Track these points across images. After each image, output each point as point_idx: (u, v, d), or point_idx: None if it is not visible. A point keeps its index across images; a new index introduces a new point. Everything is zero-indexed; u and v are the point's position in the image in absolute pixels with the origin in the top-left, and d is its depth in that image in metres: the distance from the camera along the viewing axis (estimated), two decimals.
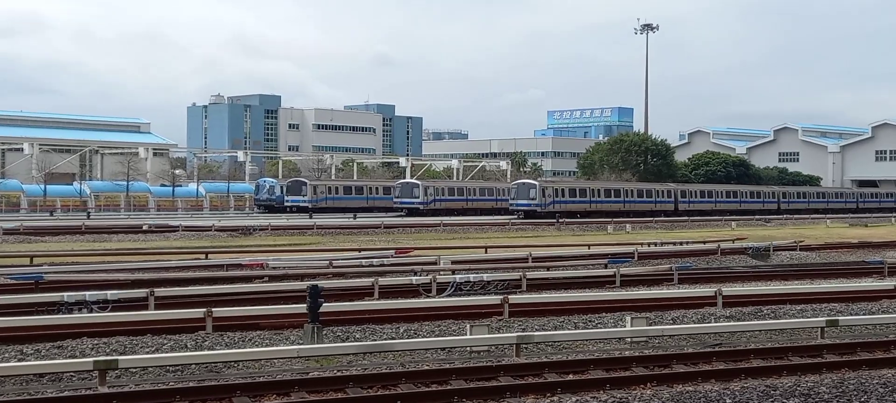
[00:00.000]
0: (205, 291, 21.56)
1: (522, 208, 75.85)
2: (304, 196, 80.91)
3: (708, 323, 19.30)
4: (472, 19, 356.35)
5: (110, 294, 19.77)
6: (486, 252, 36.07)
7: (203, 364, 13.64)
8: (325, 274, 26.31)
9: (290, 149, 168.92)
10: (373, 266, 28.43)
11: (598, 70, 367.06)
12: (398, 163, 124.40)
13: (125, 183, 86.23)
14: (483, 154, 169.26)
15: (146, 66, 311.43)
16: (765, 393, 12.69)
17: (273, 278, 25.36)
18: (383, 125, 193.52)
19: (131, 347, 15.68)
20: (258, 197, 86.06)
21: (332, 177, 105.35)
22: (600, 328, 18.37)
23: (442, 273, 26.25)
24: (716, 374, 13.91)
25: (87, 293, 19.81)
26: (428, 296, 22.71)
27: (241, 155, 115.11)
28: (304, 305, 16.13)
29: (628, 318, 17.30)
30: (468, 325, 16.27)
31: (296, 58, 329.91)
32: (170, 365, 13.57)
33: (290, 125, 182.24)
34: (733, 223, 69.50)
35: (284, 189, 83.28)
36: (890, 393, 12.88)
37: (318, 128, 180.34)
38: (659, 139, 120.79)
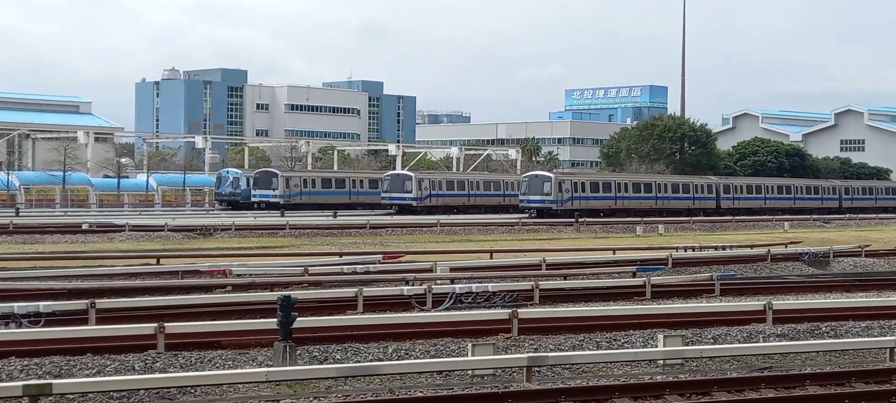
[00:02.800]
0: (156, 303, 21.55)
1: (535, 205, 75.78)
2: (274, 190, 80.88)
3: (755, 342, 19.32)
4: None
5: (43, 305, 19.75)
6: (491, 257, 36.08)
7: (153, 389, 13.63)
8: (300, 283, 26.30)
9: (258, 134, 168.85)
10: (356, 273, 28.43)
11: (625, 41, 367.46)
12: (387, 150, 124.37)
13: (61, 173, 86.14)
14: (488, 140, 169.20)
15: (88, 33, 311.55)
16: None
17: (237, 287, 25.36)
18: (370, 105, 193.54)
19: (68, 369, 15.68)
20: (220, 190, 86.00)
21: (309, 168, 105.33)
22: (627, 348, 18.39)
23: (439, 282, 26.26)
24: None
25: (16, 305, 19.79)
26: (422, 310, 22.71)
27: (199, 140, 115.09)
28: (275, 320, 16.13)
29: (661, 337, 17.31)
30: (470, 344, 16.27)
31: (269, 25, 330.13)
32: (114, 391, 13.57)
33: (258, 105, 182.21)
34: (786, 224, 69.54)
35: (251, 181, 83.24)
36: None
37: (292, 109, 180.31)
38: (698, 123, 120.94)
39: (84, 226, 51.68)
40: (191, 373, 14.92)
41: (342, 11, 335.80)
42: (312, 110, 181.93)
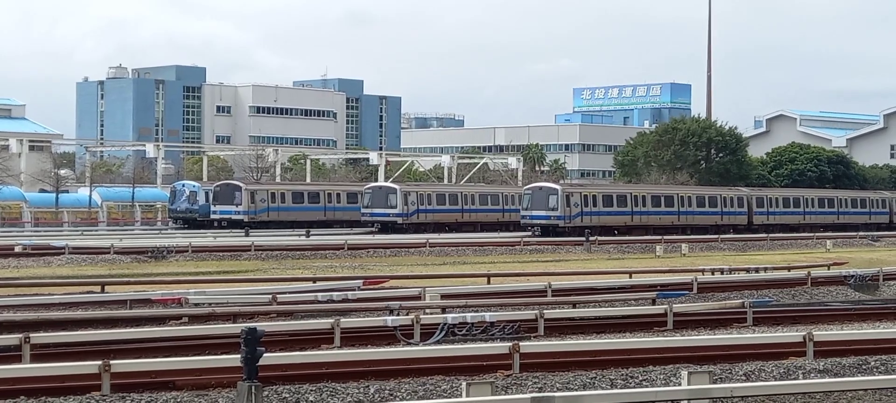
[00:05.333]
0: (100, 337, 21.47)
1: (539, 221, 75.85)
2: (237, 205, 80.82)
3: (794, 379, 19.32)
4: None
5: None
6: (488, 282, 36.05)
7: None
8: (268, 314, 26.27)
9: (218, 141, 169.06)
10: (333, 301, 28.39)
11: (643, 33, 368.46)
12: (368, 159, 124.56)
13: None
14: (485, 147, 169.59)
15: (22, 24, 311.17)
16: None
17: (194, 318, 25.31)
18: (347, 107, 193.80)
19: None
20: (175, 206, 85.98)
21: (277, 180, 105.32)
22: (646, 386, 18.38)
23: (428, 311, 26.23)
24: None
25: None
26: (409, 343, 22.68)
27: (150, 148, 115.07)
28: (238, 356, 16.09)
29: (685, 373, 17.29)
30: (464, 383, 16.24)
31: (232, 15, 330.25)
32: None
33: (218, 108, 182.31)
34: (829, 242, 69.61)
35: (211, 196, 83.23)
36: None
37: (258, 112, 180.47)
38: (726, 127, 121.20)
39: (17, 249, 51.52)
40: None
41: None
42: (281, 113, 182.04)
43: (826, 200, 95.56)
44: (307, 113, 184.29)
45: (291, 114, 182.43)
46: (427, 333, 23.29)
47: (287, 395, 17.10)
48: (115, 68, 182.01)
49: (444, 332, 23.38)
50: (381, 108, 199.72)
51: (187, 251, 51.81)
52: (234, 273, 41.97)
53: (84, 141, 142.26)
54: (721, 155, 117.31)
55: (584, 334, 24.89)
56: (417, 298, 29.13)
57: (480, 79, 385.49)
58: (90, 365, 17.32)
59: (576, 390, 17.92)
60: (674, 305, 27.57)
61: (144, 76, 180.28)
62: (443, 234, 72.46)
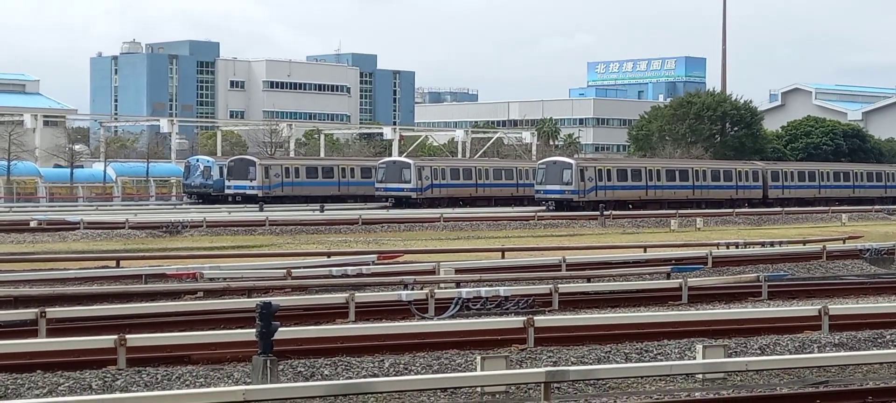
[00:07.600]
0: (116, 311, 21.58)
1: (553, 196, 75.83)
2: (252, 180, 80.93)
3: (809, 352, 19.33)
4: None
5: None
6: (502, 256, 36.08)
7: None
8: (282, 288, 26.35)
9: (232, 116, 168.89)
10: (347, 276, 28.47)
11: (657, 9, 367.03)
12: (382, 134, 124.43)
13: (5, 162, 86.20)
14: (499, 122, 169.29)
15: (39, 2, 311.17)
16: None
17: (209, 293, 25.40)
18: (361, 82, 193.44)
19: (15, 388, 15.70)
20: (189, 181, 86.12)
21: (291, 155, 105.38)
22: (661, 360, 18.40)
23: (442, 285, 26.29)
24: None
25: None
26: (423, 318, 22.74)
27: (164, 124, 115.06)
28: (253, 330, 16.13)
29: (699, 347, 17.32)
30: (479, 357, 16.29)
31: None
32: None
33: (232, 83, 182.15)
34: (844, 216, 69.45)
35: (225, 171, 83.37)
36: None
37: (271, 87, 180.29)
38: (741, 100, 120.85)
39: (32, 224, 51.72)
40: (156, 393, 14.93)
41: None
42: (295, 88, 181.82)
43: (841, 174, 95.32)
44: (321, 88, 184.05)
45: (305, 89, 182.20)
46: (441, 307, 23.35)
47: (302, 369, 17.16)
48: (128, 43, 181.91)
49: (458, 306, 23.43)
50: (395, 83, 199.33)
51: (202, 226, 51.93)
52: (248, 247, 42.12)
53: (98, 116, 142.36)
54: (736, 129, 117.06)
55: (598, 308, 24.95)
56: (432, 273, 29.21)
57: (494, 54, 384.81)
58: (106, 340, 17.39)
59: (590, 364, 17.95)
60: (688, 279, 27.58)
61: (158, 51, 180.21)
62: (457, 209, 72.51)
